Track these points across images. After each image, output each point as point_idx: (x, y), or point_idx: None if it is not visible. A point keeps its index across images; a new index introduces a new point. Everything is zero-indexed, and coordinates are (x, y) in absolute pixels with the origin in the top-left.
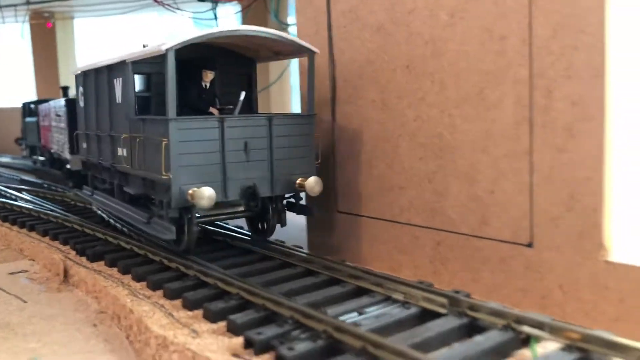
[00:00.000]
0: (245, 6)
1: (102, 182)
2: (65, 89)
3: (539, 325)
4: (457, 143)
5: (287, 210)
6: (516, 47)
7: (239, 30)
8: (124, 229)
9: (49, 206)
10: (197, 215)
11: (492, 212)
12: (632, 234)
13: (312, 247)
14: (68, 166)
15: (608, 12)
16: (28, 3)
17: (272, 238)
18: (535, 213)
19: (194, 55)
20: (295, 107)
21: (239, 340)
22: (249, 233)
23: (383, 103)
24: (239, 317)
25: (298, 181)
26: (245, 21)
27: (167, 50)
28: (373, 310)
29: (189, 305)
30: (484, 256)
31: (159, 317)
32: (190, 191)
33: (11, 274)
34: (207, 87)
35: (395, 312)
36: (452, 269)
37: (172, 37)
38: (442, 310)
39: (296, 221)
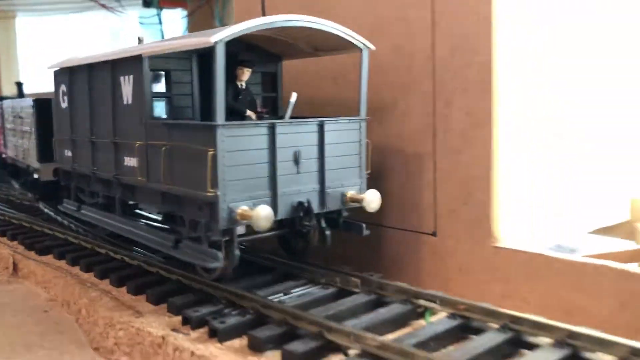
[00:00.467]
0: (190, 12)
1: (91, 195)
2: (19, 85)
3: (432, 299)
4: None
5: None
6: (422, 63)
7: (297, 20)
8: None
9: None
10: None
11: (404, 205)
12: (517, 223)
13: None
14: (36, 176)
15: (495, 37)
16: None
17: None
18: (438, 206)
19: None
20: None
21: (178, 318)
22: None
23: (313, 109)
24: (177, 299)
25: (349, 194)
26: (190, 26)
27: (216, 42)
28: (297, 291)
29: (132, 291)
30: (398, 243)
31: (106, 301)
32: (239, 210)
33: None
34: (244, 87)
35: (315, 292)
36: (377, 257)
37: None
38: (356, 290)
39: None
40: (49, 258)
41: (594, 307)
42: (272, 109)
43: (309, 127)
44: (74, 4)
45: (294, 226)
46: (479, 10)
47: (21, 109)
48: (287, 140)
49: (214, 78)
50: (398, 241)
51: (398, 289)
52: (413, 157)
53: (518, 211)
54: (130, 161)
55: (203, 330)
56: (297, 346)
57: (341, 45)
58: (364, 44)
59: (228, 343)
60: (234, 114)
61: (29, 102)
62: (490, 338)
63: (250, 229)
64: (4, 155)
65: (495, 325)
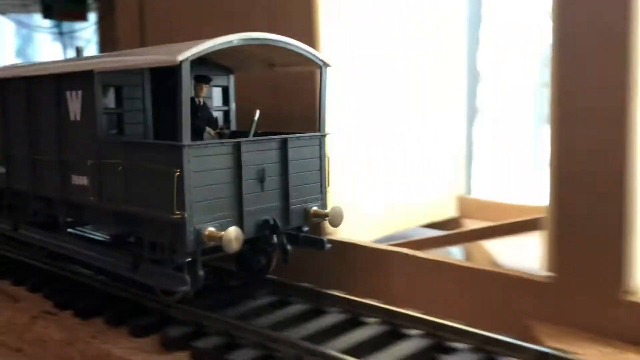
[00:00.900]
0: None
1: (32, 214)
2: None
3: None
4: None
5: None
6: None
7: (258, 38)
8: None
9: None
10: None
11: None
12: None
13: None
14: None
15: None
16: None
17: None
18: None
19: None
20: None
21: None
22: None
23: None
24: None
25: (313, 210)
26: (100, 37)
27: (182, 61)
28: None
29: None
30: None
31: None
32: (206, 232)
33: None
34: (202, 103)
35: None
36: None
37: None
38: None
39: None
40: None
41: None
42: (224, 123)
43: (272, 144)
44: None
45: (254, 244)
46: None
47: None
48: (251, 158)
49: (179, 97)
50: None
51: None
52: None
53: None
54: (79, 180)
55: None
56: None
57: (299, 62)
58: (323, 62)
59: None
60: (193, 132)
61: None
62: None
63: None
64: None
65: None
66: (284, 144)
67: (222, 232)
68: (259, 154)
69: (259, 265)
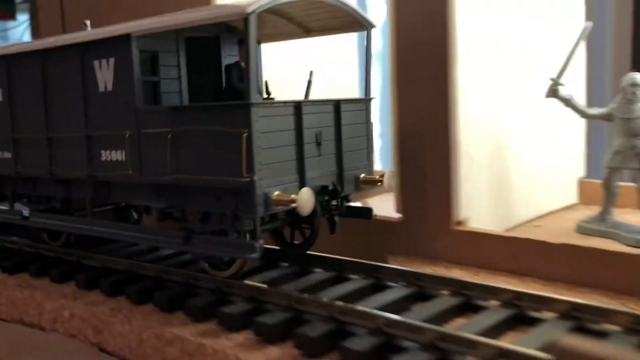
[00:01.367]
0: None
1: (44, 200)
2: None
3: None
4: None
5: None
6: None
7: None
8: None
9: None
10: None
11: None
12: None
13: None
14: None
15: None
16: None
17: None
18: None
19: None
20: None
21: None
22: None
23: None
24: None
25: (363, 177)
26: (33, 32)
27: (249, 13)
28: None
29: None
30: None
31: None
32: (274, 196)
33: None
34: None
35: None
36: None
37: None
38: None
39: None
40: None
41: None
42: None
43: (328, 107)
44: None
45: (293, 216)
46: None
47: None
48: (310, 120)
49: (247, 52)
50: None
51: None
52: None
53: None
54: (112, 154)
55: None
56: None
57: (341, 25)
58: (369, 23)
59: None
60: (239, 97)
61: None
62: None
63: None
64: None
65: None
66: (337, 107)
67: (293, 195)
68: (317, 117)
69: (301, 238)
